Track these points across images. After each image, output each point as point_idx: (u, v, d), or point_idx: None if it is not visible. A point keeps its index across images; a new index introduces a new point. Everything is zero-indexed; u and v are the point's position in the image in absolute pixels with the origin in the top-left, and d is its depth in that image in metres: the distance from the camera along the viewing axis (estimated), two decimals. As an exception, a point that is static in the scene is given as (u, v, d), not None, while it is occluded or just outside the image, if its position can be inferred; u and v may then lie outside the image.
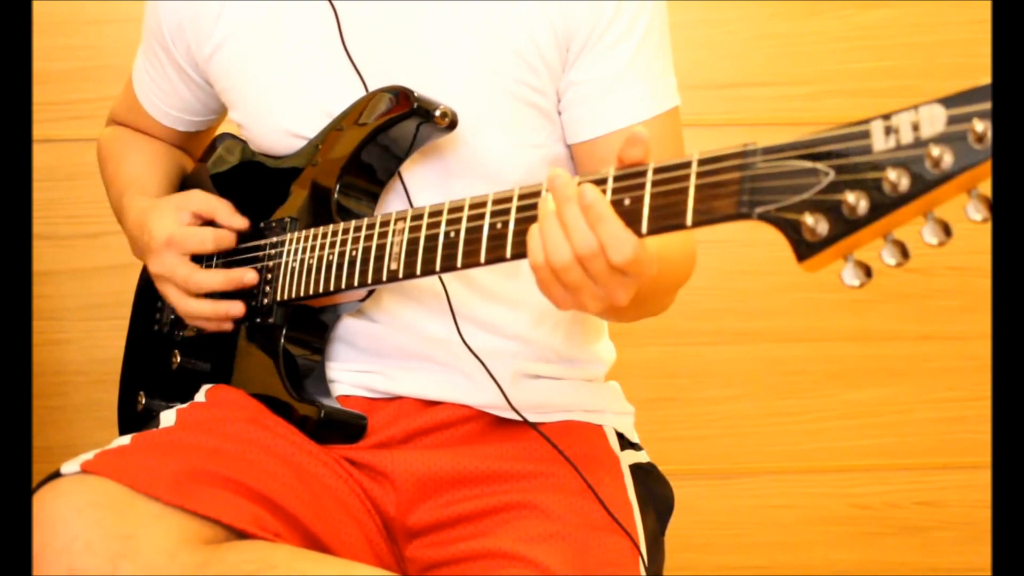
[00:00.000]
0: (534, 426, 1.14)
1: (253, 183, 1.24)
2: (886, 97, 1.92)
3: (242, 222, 1.20)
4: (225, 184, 1.29)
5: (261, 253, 1.20)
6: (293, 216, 1.18)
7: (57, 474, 0.98)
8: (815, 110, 1.90)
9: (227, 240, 1.20)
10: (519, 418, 1.15)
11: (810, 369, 1.96)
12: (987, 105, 0.69)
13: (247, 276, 1.18)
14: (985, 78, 0.70)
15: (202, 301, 1.18)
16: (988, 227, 0.72)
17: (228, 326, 1.20)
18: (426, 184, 1.15)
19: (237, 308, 1.18)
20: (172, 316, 1.31)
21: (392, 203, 1.16)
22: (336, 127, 1.16)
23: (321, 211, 1.16)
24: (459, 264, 0.97)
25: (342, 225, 1.10)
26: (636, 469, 1.20)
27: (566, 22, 1.12)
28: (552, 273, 0.88)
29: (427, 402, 1.17)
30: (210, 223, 1.21)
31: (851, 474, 1.98)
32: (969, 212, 0.70)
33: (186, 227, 1.19)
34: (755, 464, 1.97)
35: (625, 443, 1.23)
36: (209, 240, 1.18)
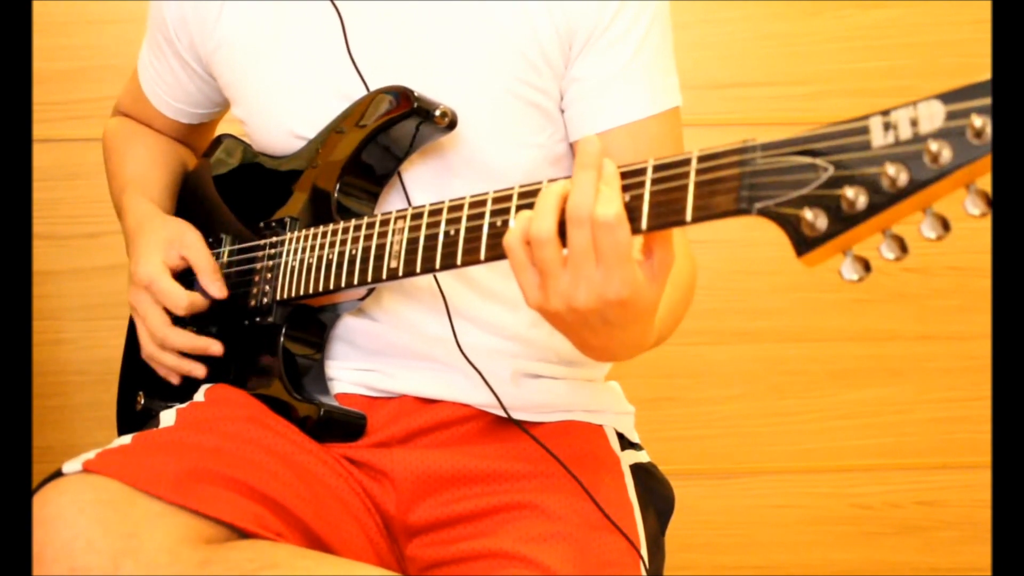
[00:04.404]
0: (525, 430, 1.14)
1: (254, 183, 1.24)
2: (886, 97, 1.90)
3: (220, 292, 1.20)
4: (226, 184, 1.29)
5: (261, 253, 1.20)
6: (293, 216, 1.18)
7: (59, 473, 0.99)
8: (815, 110, 1.90)
9: (199, 306, 1.20)
10: (518, 418, 1.15)
11: (810, 369, 1.96)
12: (985, 101, 0.69)
13: (212, 347, 1.20)
14: (983, 75, 0.70)
15: (165, 353, 1.21)
16: (988, 227, 0.73)
17: (175, 380, 1.23)
18: (426, 183, 1.15)
19: (199, 371, 1.21)
20: (171, 316, 1.31)
21: (392, 202, 1.16)
22: (336, 128, 1.16)
23: (321, 210, 1.16)
24: (459, 262, 0.97)
25: (342, 224, 1.10)
26: (636, 469, 1.20)
27: (569, 20, 1.12)
28: (526, 246, 0.86)
29: (427, 401, 1.17)
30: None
31: (851, 474, 1.98)
32: (968, 207, 0.70)
33: (167, 280, 1.19)
34: (755, 464, 1.97)
35: (625, 443, 1.23)
36: (183, 305, 1.18)
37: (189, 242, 1.22)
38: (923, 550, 1.99)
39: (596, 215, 0.83)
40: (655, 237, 0.86)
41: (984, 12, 1.89)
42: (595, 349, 0.95)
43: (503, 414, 1.16)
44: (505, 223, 0.92)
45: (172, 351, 1.21)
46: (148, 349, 1.22)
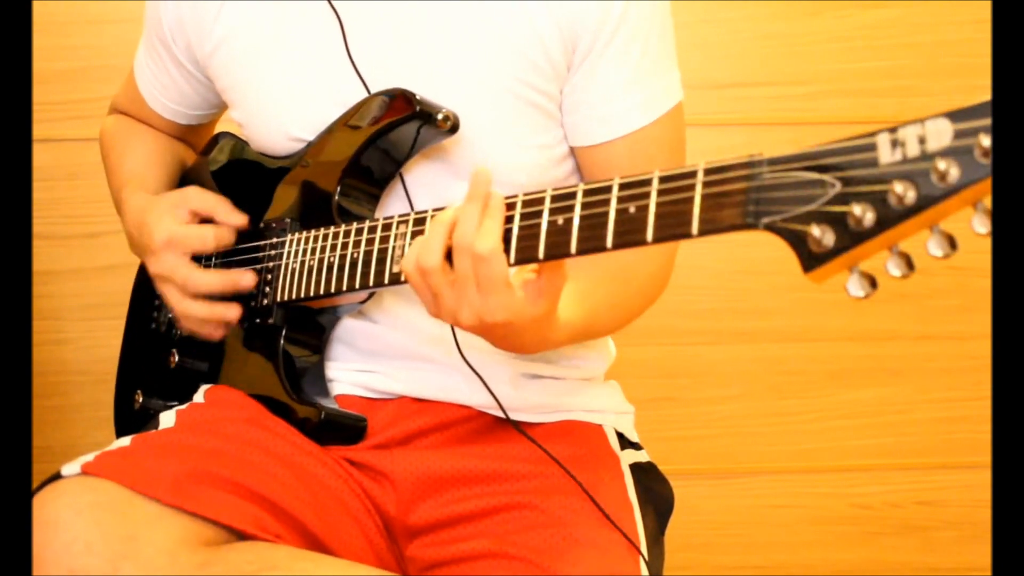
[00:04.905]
0: (524, 432, 1.14)
1: (252, 183, 1.24)
2: (886, 97, 1.92)
3: (241, 219, 1.20)
4: (225, 183, 1.29)
5: (261, 254, 1.20)
6: (293, 217, 1.18)
7: (57, 475, 0.98)
8: (815, 110, 1.90)
9: (227, 238, 1.19)
10: (517, 419, 1.15)
11: (810, 369, 1.96)
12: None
13: (244, 278, 1.17)
14: (988, 91, 0.70)
15: (199, 303, 1.18)
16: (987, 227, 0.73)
17: (220, 333, 1.20)
18: (428, 185, 1.15)
19: (234, 312, 1.18)
20: (170, 315, 1.31)
21: (393, 203, 1.16)
22: (337, 128, 1.16)
23: (321, 212, 1.16)
24: None
25: (343, 227, 1.10)
26: (636, 468, 1.20)
27: (572, 24, 1.11)
28: (419, 271, 0.95)
29: (427, 402, 1.17)
30: (208, 220, 1.21)
31: (851, 474, 1.98)
32: (974, 225, 0.71)
33: (186, 226, 1.19)
34: (755, 464, 1.97)
35: (625, 442, 1.23)
36: (210, 238, 1.18)
37: (192, 194, 1.21)
38: (923, 550, 1.99)
39: (474, 248, 0.90)
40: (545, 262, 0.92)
41: (984, 12, 1.89)
42: (499, 346, 1.01)
43: (502, 415, 1.16)
44: (509, 231, 0.93)
45: (204, 299, 1.18)
46: (179, 306, 1.19)
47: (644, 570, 1.07)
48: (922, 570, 1.99)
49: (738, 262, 1.92)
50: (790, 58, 1.91)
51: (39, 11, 1.76)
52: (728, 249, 1.91)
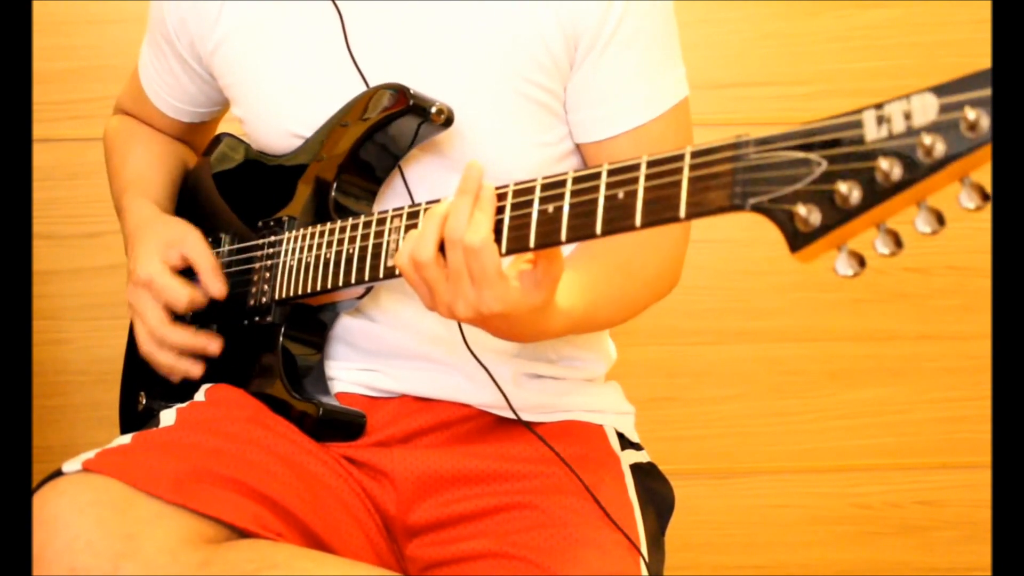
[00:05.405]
0: (531, 428, 1.14)
1: (254, 182, 1.24)
2: (886, 97, 1.92)
3: (220, 289, 1.20)
4: (226, 183, 1.29)
5: (259, 252, 1.20)
6: (292, 215, 1.18)
7: (58, 473, 0.99)
8: (815, 110, 1.90)
9: (199, 303, 1.20)
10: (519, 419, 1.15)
11: (810, 369, 1.96)
12: (979, 93, 0.69)
13: (211, 346, 1.19)
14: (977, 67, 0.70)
15: (163, 351, 1.20)
16: (988, 227, 0.72)
17: (174, 379, 1.22)
18: (429, 183, 1.15)
19: (196, 371, 1.20)
20: (173, 315, 1.31)
21: (391, 201, 1.16)
22: (336, 123, 1.16)
23: (319, 209, 1.16)
24: None
25: (339, 223, 1.10)
26: (636, 469, 1.20)
27: (574, 21, 1.11)
28: (414, 265, 0.94)
29: (428, 401, 1.17)
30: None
31: (851, 474, 1.98)
32: (962, 200, 0.70)
33: (167, 277, 1.19)
34: (755, 464, 1.97)
35: (626, 443, 1.23)
36: (183, 300, 1.18)
37: (190, 242, 1.22)
38: (923, 550, 1.99)
39: (465, 241, 0.90)
40: (541, 250, 0.92)
41: (984, 12, 1.89)
42: (498, 336, 1.01)
43: (503, 414, 1.16)
44: (500, 222, 0.93)
45: (170, 349, 1.20)
46: (146, 348, 1.21)
47: (644, 570, 1.07)
48: (922, 570, 1.99)
49: (738, 262, 1.92)
50: (790, 58, 1.91)
51: (39, 11, 1.76)
52: (728, 249, 1.91)
